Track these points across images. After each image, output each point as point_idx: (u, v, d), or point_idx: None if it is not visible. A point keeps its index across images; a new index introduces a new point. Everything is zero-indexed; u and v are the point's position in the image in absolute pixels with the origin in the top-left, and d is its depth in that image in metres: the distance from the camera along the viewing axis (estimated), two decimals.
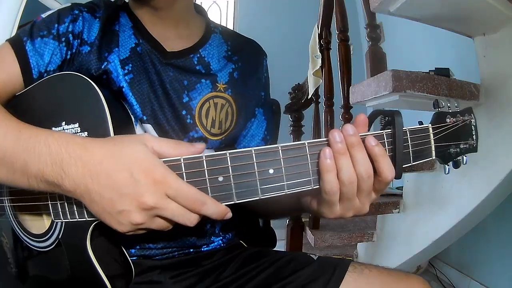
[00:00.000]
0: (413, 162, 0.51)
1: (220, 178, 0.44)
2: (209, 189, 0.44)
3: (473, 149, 0.56)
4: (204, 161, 0.44)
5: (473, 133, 0.56)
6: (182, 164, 0.44)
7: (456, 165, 0.55)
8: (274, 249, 0.84)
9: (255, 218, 0.89)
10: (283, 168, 0.45)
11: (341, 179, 0.46)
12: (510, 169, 1.14)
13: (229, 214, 0.45)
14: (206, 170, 0.44)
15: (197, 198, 0.43)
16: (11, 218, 0.63)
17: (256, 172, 0.44)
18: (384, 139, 0.48)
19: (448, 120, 0.54)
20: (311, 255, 0.72)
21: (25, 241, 0.61)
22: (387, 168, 0.46)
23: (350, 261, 0.67)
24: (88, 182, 0.43)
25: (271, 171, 0.45)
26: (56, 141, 0.44)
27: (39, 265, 0.61)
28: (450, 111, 0.55)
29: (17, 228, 0.62)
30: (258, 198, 0.45)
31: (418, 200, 1.56)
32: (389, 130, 0.48)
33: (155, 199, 0.42)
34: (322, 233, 1.64)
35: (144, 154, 0.43)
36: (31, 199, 0.55)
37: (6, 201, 0.62)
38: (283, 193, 0.45)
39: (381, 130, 0.49)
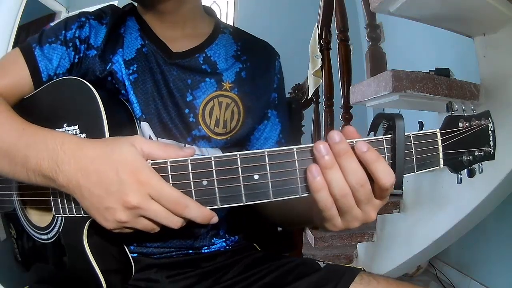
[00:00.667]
0: (417, 171, 0.45)
1: (204, 182, 0.44)
2: (193, 193, 0.44)
3: (490, 156, 0.49)
4: (189, 164, 0.44)
5: (491, 139, 0.50)
6: (169, 166, 0.45)
7: (471, 174, 0.49)
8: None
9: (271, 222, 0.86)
10: (269, 174, 0.43)
11: (333, 194, 0.43)
12: (510, 169, 1.13)
13: (215, 219, 0.46)
14: (191, 173, 0.44)
15: (179, 200, 0.44)
16: (19, 211, 0.67)
17: (241, 177, 0.43)
18: (383, 145, 0.44)
19: (461, 124, 0.48)
20: (318, 261, 0.69)
21: (30, 233, 0.65)
22: (384, 174, 0.42)
23: (359, 271, 0.64)
24: (80, 178, 0.45)
25: (256, 176, 0.43)
26: (54, 139, 0.48)
27: (42, 255, 0.64)
28: (465, 114, 0.49)
29: (24, 221, 0.66)
30: (242, 204, 0.44)
31: (418, 200, 1.56)
32: (390, 136, 0.44)
33: (138, 199, 0.43)
34: (322, 233, 1.64)
35: (132, 155, 0.45)
36: (36, 194, 0.60)
37: (15, 195, 0.67)
38: (268, 201, 0.44)
39: (383, 135, 0.45)
